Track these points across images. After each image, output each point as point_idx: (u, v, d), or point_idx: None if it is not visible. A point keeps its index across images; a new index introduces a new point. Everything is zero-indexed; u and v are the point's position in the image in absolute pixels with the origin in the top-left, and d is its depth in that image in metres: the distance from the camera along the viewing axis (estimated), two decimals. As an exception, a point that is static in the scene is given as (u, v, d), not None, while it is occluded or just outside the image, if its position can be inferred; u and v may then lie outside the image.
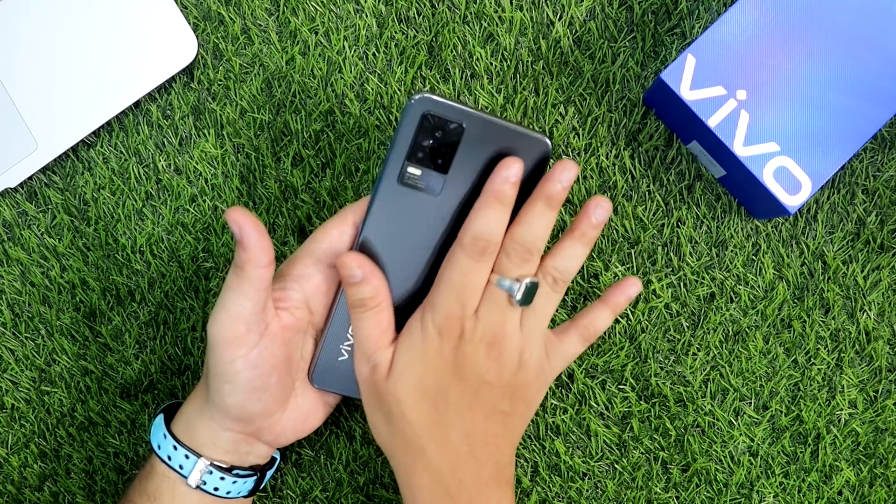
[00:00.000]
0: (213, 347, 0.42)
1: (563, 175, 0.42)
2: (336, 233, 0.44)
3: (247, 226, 0.40)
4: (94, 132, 0.53)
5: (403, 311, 0.45)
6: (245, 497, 0.47)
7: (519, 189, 0.42)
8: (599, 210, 0.43)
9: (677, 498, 0.53)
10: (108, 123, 0.53)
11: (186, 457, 0.44)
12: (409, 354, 0.42)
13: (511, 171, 0.41)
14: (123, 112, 0.53)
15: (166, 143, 0.54)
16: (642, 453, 0.53)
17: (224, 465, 0.45)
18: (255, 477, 0.46)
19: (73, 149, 0.53)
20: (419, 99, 0.42)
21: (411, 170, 0.43)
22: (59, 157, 0.53)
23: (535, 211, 0.42)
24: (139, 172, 0.54)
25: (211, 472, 0.44)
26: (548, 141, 0.43)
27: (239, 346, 0.41)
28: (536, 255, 0.43)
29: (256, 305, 0.41)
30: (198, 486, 0.44)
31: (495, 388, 0.43)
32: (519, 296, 0.42)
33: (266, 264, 0.41)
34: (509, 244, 0.42)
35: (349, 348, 0.46)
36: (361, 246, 0.44)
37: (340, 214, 0.44)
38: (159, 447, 0.45)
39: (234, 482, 0.45)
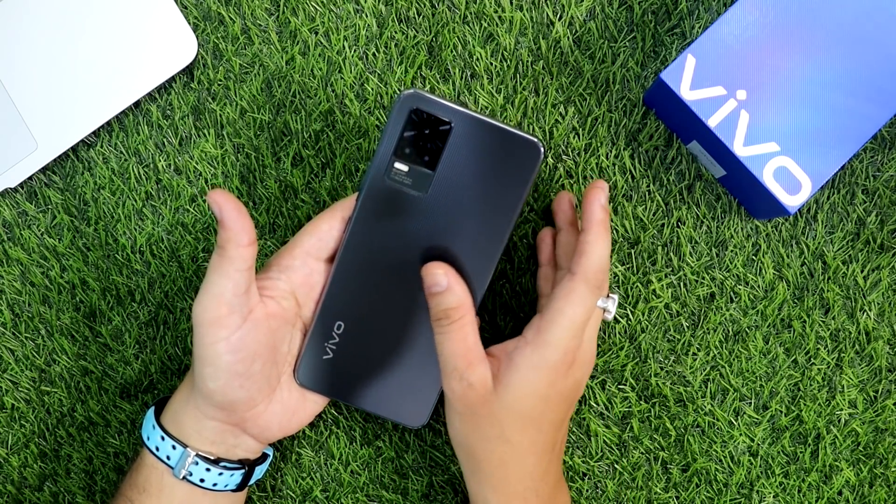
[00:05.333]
0: (196, 329, 0.42)
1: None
2: (325, 227, 0.44)
3: (226, 205, 0.40)
4: (94, 132, 0.53)
5: (387, 310, 0.45)
6: (234, 490, 0.47)
7: (503, 189, 0.43)
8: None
9: (677, 498, 0.53)
10: (108, 123, 0.53)
11: (173, 447, 0.44)
12: (521, 388, 0.43)
13: (606, 195, 0.43)
14: (123, 112, 0.53)
15: (166, 143, 0.54)
16: (642, 453, 0.53)
17: (210, 457, 0.45)
18: (242, 471, 0.46)
19: (73, 149, 0.53)
20: (408, 95, 0.41)
21: (398, 165, 0.42)
22: (59, 157, 0.53)
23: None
24: (139, 172, 0.54)
25: (197, 463, 0.44)
26: (537, 142, 0.42)
27: (220, 327, 0.41)
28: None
29: (238, 286, 0.41)
30: (184, 478, 0.44)
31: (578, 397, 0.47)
32: (613, 312, 0.45)
33: (246, 244, 0.41)
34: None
35: (334, 347, 0.46)
36: (348, 241, 0.44)
37: (330, 209, 0.45)
38: (148, 438, 0.45)
39: (221, 474, 0.45)
